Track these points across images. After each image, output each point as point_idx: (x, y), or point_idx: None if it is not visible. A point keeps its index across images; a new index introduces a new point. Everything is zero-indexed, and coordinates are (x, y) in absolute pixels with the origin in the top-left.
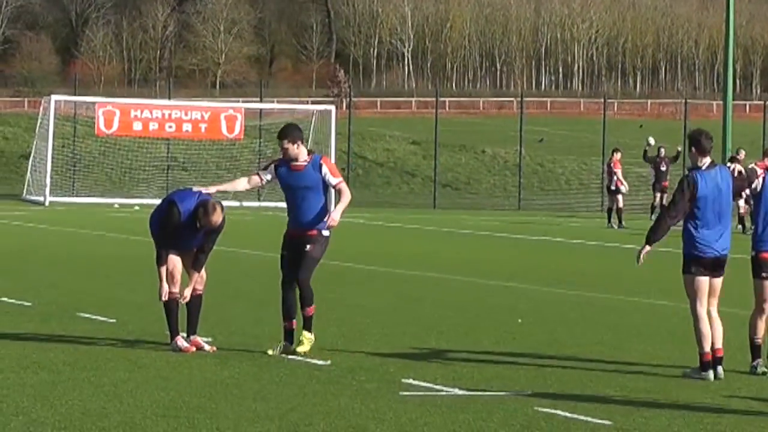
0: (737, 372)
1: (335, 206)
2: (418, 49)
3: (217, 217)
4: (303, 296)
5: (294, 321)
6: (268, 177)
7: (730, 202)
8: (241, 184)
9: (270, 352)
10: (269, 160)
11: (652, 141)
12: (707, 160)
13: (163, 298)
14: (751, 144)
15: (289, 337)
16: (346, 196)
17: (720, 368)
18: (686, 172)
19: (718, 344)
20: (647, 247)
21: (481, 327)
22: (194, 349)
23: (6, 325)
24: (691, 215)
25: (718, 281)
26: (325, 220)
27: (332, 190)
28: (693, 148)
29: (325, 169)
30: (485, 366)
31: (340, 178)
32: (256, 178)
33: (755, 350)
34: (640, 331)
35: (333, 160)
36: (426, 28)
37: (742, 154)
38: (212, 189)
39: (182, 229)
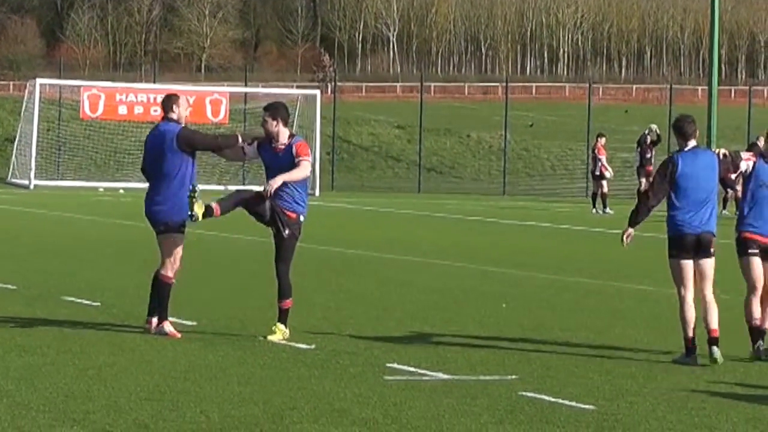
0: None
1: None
2: (404, 33)
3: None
4: (281, 289)
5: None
6: (251, 151)
7: (714, 185)
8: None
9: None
10: (259, 136)
11: (654, 126)
12: (691, 144)
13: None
14: (736, 129)
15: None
16: (299, 171)
17: (715, 348)
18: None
19: (714, 325)
20: (630, 230)
21: (466, 311)
22: (179, 335)
23: None
24: (673, 197)
25: (706, 263)
26: (301, 205)
27: (315, 177)
28: (676, 135)
29: (294, 150)
30: (470, 350)
31: (306, 157)
32: (239, 149)
33: (754, 333)
34: (626, 316)
35: (318, 145)
36: (411, 13)
37: (761, 141)
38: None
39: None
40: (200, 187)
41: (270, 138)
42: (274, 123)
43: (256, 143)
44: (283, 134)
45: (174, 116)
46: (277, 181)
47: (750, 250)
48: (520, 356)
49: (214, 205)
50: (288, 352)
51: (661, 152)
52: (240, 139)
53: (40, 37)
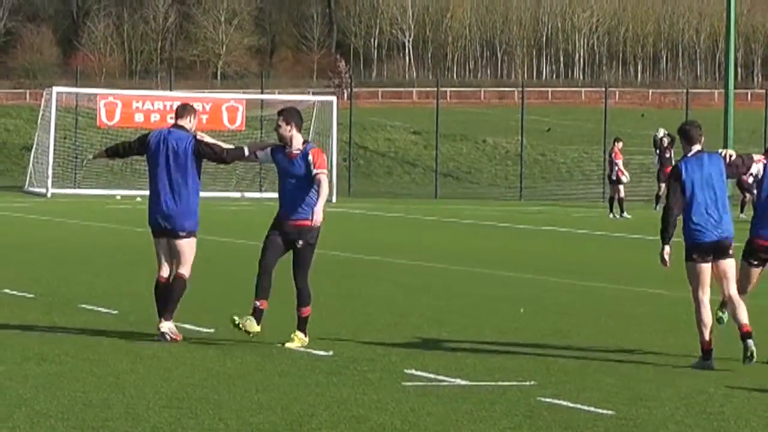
0: (740, 361)
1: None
2: (419, 38)
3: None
4: (300, 296)
5: (265, 302)
6: (263, 155)
7: (723, 187)
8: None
9: (236, 318)
10: (269, 144)
11: (662, 131)
12: (695, 148)
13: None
14: (753, 132)
15: (258, 315)
16: (323, 189)
17: (750, 342)
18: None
19: (744, 320)
20: (666, 248)
21: (483, 317)
22: (180, 336)
23: (8, 317)
24: (684, 203)
25: (726, 263)
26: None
27: (332, 183)
28: (681, 139)
29: (310, 158)
30: (487, 356)
31: (323, 170)
32: (250, 157)
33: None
34: (643, 321)
35: (334, 151)
36: (426, 18)
37: None
38: (206, 137)
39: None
40: (217, 194)
41: (284, 143)
42: (288, 128)
43: (269, 149)
44: (297, 139)
45: (189, 126)
46: (319, 215)
47: (752, 260)
48: (538, 361)
49: None
50: (306, 359)
51: (679, 154)
52: (246, 152)
53: (56, 46)
